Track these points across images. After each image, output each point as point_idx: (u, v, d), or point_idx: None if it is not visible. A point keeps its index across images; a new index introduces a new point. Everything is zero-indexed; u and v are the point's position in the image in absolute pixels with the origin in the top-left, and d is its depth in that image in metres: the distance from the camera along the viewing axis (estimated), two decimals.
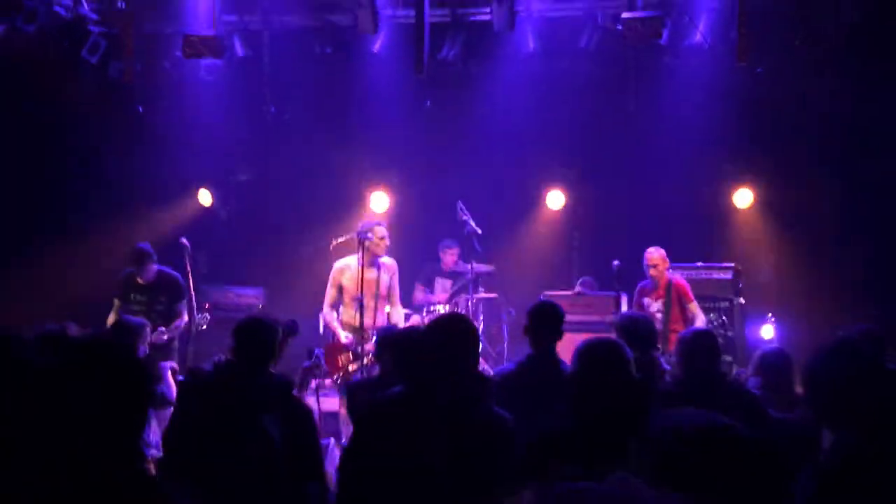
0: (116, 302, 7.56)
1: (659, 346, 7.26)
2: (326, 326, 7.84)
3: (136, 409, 2.30)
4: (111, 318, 7.37)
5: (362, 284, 7.26)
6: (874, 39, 8.12)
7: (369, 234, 7.44)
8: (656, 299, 7.79)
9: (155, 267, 7.56)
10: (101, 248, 9.09)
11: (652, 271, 7.77)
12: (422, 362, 3.54)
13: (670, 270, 7.89)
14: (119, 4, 8.86)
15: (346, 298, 7.62)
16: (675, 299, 7.71)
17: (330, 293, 7.69)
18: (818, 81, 8.66)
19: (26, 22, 8.13)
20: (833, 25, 8.08)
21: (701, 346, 4.39)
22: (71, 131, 9.70)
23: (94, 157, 9.94)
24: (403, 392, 3.49)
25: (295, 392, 4.59)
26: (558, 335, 4.66)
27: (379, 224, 7.71)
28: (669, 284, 7.75)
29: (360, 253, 7.34)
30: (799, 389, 4.43)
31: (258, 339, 4.05)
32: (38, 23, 8.26)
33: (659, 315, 7.66)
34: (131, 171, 9.96)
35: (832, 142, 9.06)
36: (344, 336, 7.39)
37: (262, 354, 4.04)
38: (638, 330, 5.07)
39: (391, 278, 7.70)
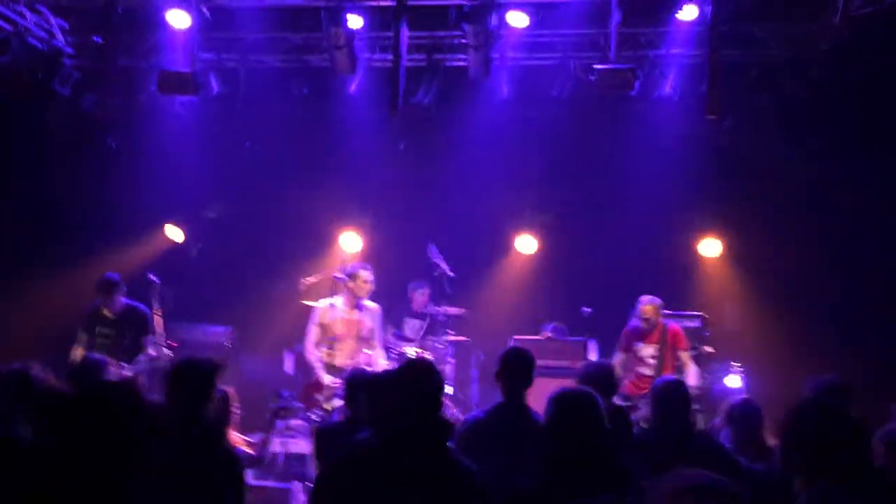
0: (82, 335, 7.41)
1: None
2: (305, 365, 7.82)
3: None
4: (77, 352, 7.24)
5: (344, 325, 7.31)
6: (838, 98, 8.38)
7: (348, 277, 7.53)
8: (650, 344, 7.78)
9: (123, 299, 7.47)
10: (67, 283, 8.95)
11: (644, 325, 7.77)
12: (385, 409, 3.52)
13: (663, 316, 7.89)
14: (95, 38, 8.86)
15: (327, 339, 7.63)
16: (669, 346, 7.73)
17: (313, 332, 7.70)
18: (785, 135, 8.89)
19: (0, 54, 8.09)
20: (799, 84, 8.34)
21: (674, 396, 4.42)
22: (41, 164, 9.60)
23: (64, 190, 9.83)
24: (367, 440, 3.45)
25: (256, 436, 4.51)
26: (529, 381, 4.65)
27: (364, 268, 7.75)
28: (665, 330, 7.77)
29: (346, 294, 7.46)
30: (769, 440, 4.48)
31: (187, 384, 3.90)
32: (12, 54, 8.23)
33: (652, 361, 7.72)
34: (101, 204, 9.86)
35: (798, 194, 9.26)
36: (329, 380, 7.33)
37: (191, 399, 3.88)
38: (603, 377, 5.10)
39: (374, 322, 7.74)
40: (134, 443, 2.28)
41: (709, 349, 8.61)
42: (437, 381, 3.50)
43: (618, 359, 7.77)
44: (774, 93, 8.66)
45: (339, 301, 7.67)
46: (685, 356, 7.76)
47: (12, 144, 9.44)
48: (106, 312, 7.44)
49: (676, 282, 9.56)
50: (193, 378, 3.90)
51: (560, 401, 3.26)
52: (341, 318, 7.55)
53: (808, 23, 8.28)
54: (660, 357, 7.69)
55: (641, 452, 4.09)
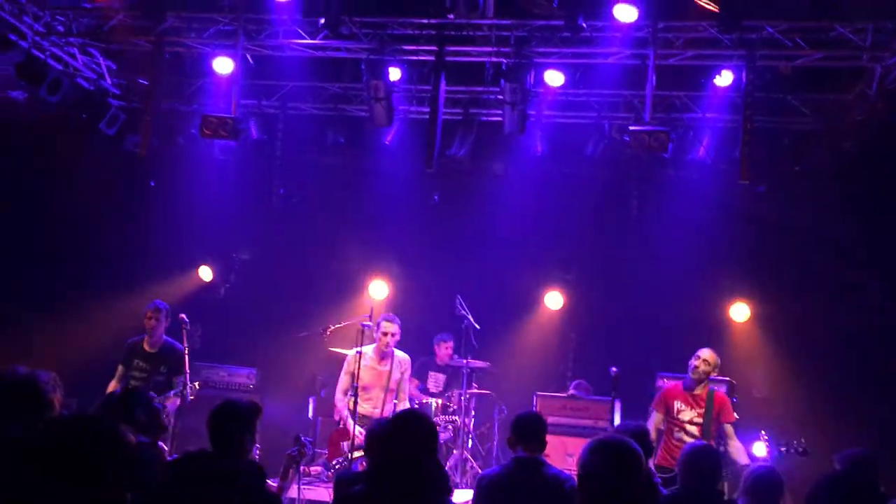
0: (120, 368, 7.54)
1: None
2: (330, 411, 7.83)
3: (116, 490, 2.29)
4: (112, 386, 7.34)
5: (372, 375, 7.33)
6: (869, 169, 8.37)
7: (374, 326, 7.56)
8: (692, 407, 7.02)
9: (163, 331, 7.57)
10: (99, 319, 9.07)
11: (699, 363, 6.96)
12: (378, 459, 3.52)
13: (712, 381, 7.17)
14: (140, 81, 9.11)
15: (353, 386, 7.63)
16: (715, 415, 6.96)
17: (343, 380, 7.70)
18: (815, 203, 8.86)
19: (50, 93, 8.35)
20: (832, 153, 8.36)
21: (704, 464, 4.35)
22: (82, 201, 9.80)
23: (103, 228, 10.01)
24: (361, 490, 3.44)
25: (274, 481, 4.51)
26: (543, 446, 4.62)
27: (388, 319, 7.77)
28: (711, 396, 7.01)
29: (375, 343, 7.52)
30: None
31: (223, 428, 3.97)
32: (62, 93, 8.48)
33: (691, 427, 6.96)
34: (136, 243, 10.03)
35: (829, 261, 9.20)
36: (358, 431, 7.29)
37: (228, 442, 3.95)
38: (639, 440, 5.02)
39: (403, 373, 7.74)
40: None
41: (735, 416, 8.47)
42: (425, 431, 3.47)
43: (652, 420, 7.11)
44: (807, 160, 8.67)
45: (368, 350, 7.66)
46: (730, 429, 6.98)
47: (55, 180, 9.66)
48: (146, 347, 7.55)
49: (705, 344, 9.44)
50: (234, 420, 3.95)
51: (601, 450, 2.95)
52: (369, 367, 7.55)
53: (841, 94, 8.33)
54: (704, 425, 6.88)
55: None
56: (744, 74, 7.71)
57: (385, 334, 7.62)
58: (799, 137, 8.66)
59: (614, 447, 2.96)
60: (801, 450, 6.83)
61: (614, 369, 7.74)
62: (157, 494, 3.66)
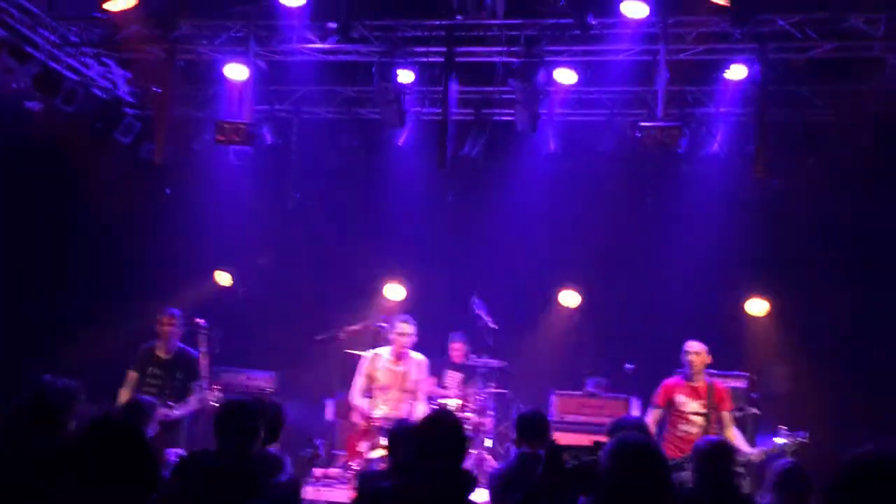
0: (132, 374, 7.51)
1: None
2: (341, 414, 7.86)
3: (140, 493, 2.34)
4: (124, 393, 7.35)
5: (390, 376, 7.39)
6: (884, 161, 8.30)
7: (389, 327, 7.59)
8: (694, 398, 7.34)
9: (178, 338, 7.62)
10: (120, 326, 9.14)
11: (692, 357, 7.31)
12: (407, 458, 3.58)
13: (707, 373, 7.47)
14: (154, 88, 9.19)
15: (374, 389, 7.67)
16: (715, 404, 7.32)
17: (359, 381, 7.74)
18: (831, 195, 8.80)
19: (66, 103, 8.46)
20: (846, 145, 8.30)
21: (719, 458, 4.35)
22: (99, 210, 9.90)
23: (119, 235, 10.11)
24: (387, 487, 3.50)
25: (286, 478, 4.56)
26: (546, 441, 4.69)
27: (404, 319, 7.79)
28: (711, 387, 7.36)
29: (392, 345, 7.54)
30: None
31: (238, 425, 4.01)
32: (77, 103, 8.58)
33: (696, 418, 7.28)
34: (154, 250, 10.11)
35: (846, 254, 9.13)
36: (379, 413, 7.36)
37: (242, 440, 3.99)
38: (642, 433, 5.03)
39: (418, 373, 7.75)
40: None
41: (755, 411, 8.43)
42: (454, 431, 3.53)
43: (651, 415, 7.40)
44: (821, 153, 8.62)
45: (385, 351, 7.70)
46: (727, 417, 7.36)
47: (71, 190, 9.76)
48: (160, 353, 7.58)
49: (723, 340, 9.36)
50: (240, 418, 3.98)
51: (621, 452, 2.96)
52: (386, 368, 7.59)
53: (855, 84, 8.27)
54: (707, 415, 7.22)
55: None
56: (756, 68, 7.69)
57: (401, 335, 7.65)
58: (813, 130, 8.59)
59: (631, 446, 2.99)
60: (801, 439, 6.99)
61: (630, 366, 7.76)
62: (166, 495, 3.72)
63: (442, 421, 3.64)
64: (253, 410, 4.08)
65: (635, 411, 8.08)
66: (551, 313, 10.37)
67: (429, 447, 3.47)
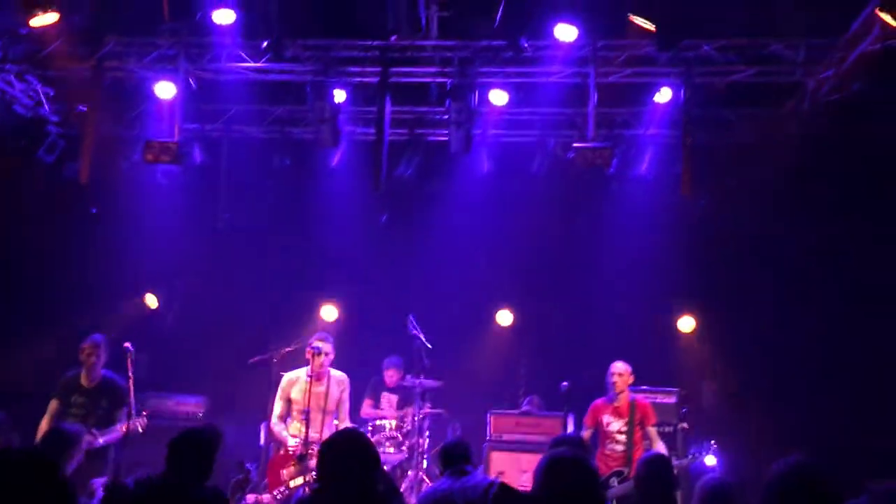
0: (53, 403, 7.18)
1: (624, 469, 7.28)
2: (271, 438, 7.64)
3: None
4: (45, 423, 7.06)
5: (310, 397, 7.17)
6: (805, 180, 8.61)
7: (316, 347, 7.37)
8: (618, 418, 7.54)
9: (102, 365, 7.34)
10: (42, 348, 8.83)
11: (616, 378, 7.52)
12: (319, 476, 3.57)
13: (631, 391, 7.69)
14: (79, 107, 8.94)
15: (294, 411, 7.42)
16: (637, 421, 7.52)
17: (278, 405, 7.49)
18: (757, 215, 9.08)
19: None
20: (768, 167, 8.60)
21: (662, 474, 4.41)
22: (20, 230, 9.56)
23: (42, 255, 9.78)
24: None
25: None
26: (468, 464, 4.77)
27: (320, 338, 7.47)
28: (633, 405, 7.57)
29: (311, 365, 7.27)
30: None
31: (197, 453, 3.94)
32: None
33: (620, 436, 7.49)
34: (79, 271, 9.80)
35: (771, 271, 9.40)
36: (293, 442, 7.16)
37: (198, 469, 3.93)
38: (580, 448, 5.09)
39: (341, 393, 7.51)
40: None
41: (685, 425, 8.59)
42: (362, 451, 3.50)
43: (585, 434, 7.51)
44: (745, 173, 8.90)
45: (303, 372, 7.40)
46: (653, 432, 7.55)
47: None
48: (83, 381, 7.29)
49: (653, 356, 9.59)
50: (195, 447, 3.90)
51: (554, 468, 2.98)
52: (306, 390, 7.31)
53: (776, 108, 8.58)
54: (629, 432, 7.45)
55: None
56: (682, 91, 7.91)
57: (318, 354, 7.41)
58: (736, 151, 8.88)
59: (563, 463, 3.01)
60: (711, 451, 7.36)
61: (565, 384, 7.84)
62: None
63: (345, 440, 3.59)
64: (211, 441, 4.00)
65: (571, 428, 8.14)
66: (487, 332, 10.42)
67: (335, 467, 3.44)
